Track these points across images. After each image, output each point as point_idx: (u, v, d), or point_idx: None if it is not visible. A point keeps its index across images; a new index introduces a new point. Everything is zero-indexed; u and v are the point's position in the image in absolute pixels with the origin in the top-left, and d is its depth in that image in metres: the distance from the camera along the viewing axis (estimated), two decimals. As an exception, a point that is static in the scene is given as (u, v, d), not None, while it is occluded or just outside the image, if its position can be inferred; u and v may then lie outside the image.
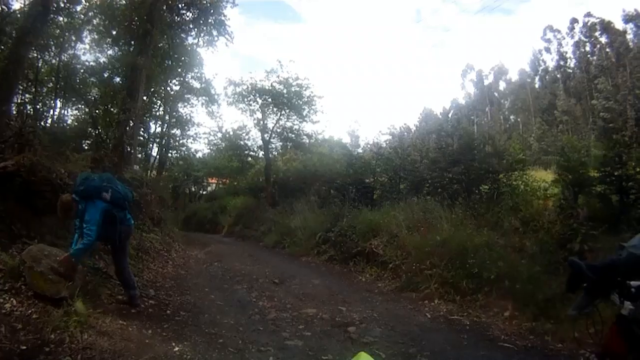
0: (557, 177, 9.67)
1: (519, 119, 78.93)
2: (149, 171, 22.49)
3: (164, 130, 24.34)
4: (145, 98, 18.48)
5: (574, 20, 77.54)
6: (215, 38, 18.84)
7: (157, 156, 24.59)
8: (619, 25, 71.15)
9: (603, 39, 72.51)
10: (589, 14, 75.66)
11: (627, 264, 1.92)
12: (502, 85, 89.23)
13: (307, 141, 25.74)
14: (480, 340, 5.66)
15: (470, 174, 11.69)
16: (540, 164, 22.73)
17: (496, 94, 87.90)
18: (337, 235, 11.98)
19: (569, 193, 8.86)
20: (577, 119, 64.39)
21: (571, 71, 77.47)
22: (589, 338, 2.30)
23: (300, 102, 24.24)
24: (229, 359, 4.70)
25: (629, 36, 69.82)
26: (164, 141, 24.46)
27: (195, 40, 20.39)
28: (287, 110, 24.47)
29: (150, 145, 24.45)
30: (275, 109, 24.50)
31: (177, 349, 4.77)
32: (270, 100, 24.00)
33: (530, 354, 5.16)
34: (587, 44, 75.42)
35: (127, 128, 12.84)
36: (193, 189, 38.17)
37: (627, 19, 70.56)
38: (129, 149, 13.12)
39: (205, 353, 4.74)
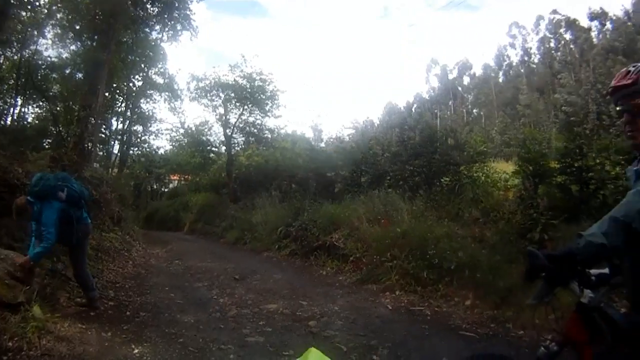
0: (518, 168, 9.78)
1: (482, 113, 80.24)
2: (110, 169, 22.15)
3: (126, 126, 24.06)
4: (107, 94, 18.14)
5: (540, 17, 79.47)
6: (180, 32, 18.52)
7: (119, 153, 24.28)
8: (584, 22, 73.38)
9: (568, 36, 74.67)
10: (555, 11, 77.66)
11: (585, 252, 1.91)
12: (466, 80, 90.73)
13: (270, 136, 25.68)
14: (442, 330, 5.65)
15: (432, 167, 11.74)
16: (502, 156, 23.10)
17: (460, 89, 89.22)
18: (298, 229, 11.94)
19: (530, 184, 8.95)
20: (539, 112, 65.74)
21: (535, 66, 79.39)
22: (549, 325, 2.31)
23: (263, 97, 24.27)
24: (190, 359, 4.59)
25: (594, 33, 72.04)
26: (125, 138, 24.12)
27: (160, 35, 19.91)
28: (250, 105, 24.45)
29: (112, 142, 24.10)
30: (237, 104, 24.46)
31: (136, 351, 4.66)
32: (233, 95, 24.02)
33: (492, 342, 5.17)
34: (552, 40, 77.45)
35: (88, 125, 12.56)
36: (155, 187, 37.83)
37: (593, 16, 72.70)
38: (89, 147, 12.84)
39: (165, 354, 4.63)
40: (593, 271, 2.21)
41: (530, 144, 9.36)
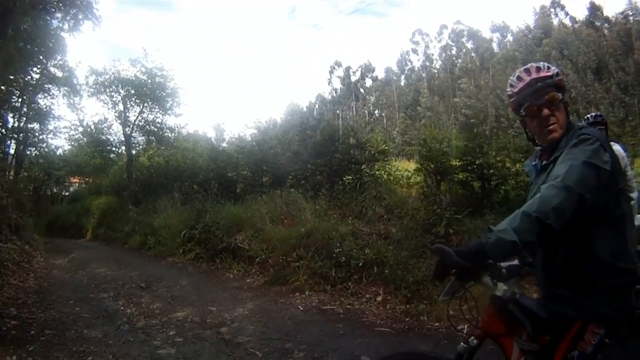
0: (420, 166, 10.10)
1: (383, 114, 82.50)
2: (5, 171, 20.89)
3: (22, 124, 22.51)
4: (2, 87, 17.05)
5: (444, 27, 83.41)
6: (81, 22, 17.53)
7: (15, 154, 22.87)
8: (486, 34, 78.32)
9: (469, 45, 79.08)
10: (458, 22, 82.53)
11: (496, 249, 1.96)
12: (368, 82, 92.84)
13: (170, 135, 25.15)
14: (357, 328, 5.74)
15: (333, 165, 11.85)
16: (404, 155, 23.75)
17: (362, 90, 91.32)
18: (201, 232, 11.77)
19: (432, 181, 9.30)
20: (439, 114, 68.76)
21: (436, 72, 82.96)
22: (463, 315, 2.36)
23: (164, 94, 23.80)
24: None
25: (494, 44, 77.03)
26: (21, 137, 22.70)
27: (60, 24, 18.74)
28: (150, 103, 23.87)
29: (7, 141, 22.54)
30: (137, 101, 23.76)
31: None
32: (133, 91, 23.28)
33: (408, 336, 5.30)
34: (454, 48, 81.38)
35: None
36: (55, 190, 36.03)
37: (495, 29, 77.55)
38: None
39: None
40: (503, 264, 2.32)
41: (431, 143, 9.67)
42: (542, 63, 2.41)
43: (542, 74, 2.34)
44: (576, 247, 2.12)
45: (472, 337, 2.36)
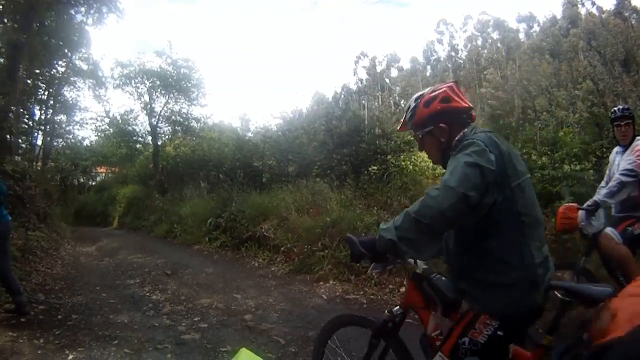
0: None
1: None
2: (33, 162, 21.11)
3: (49, 116, 22.70)
4: (28, 81, 17.21)
5: (468, 17, 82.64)
6: (105, 15, 17.64)
7: (42, 145, 23.12)
8: (513, 24, 77.59)
9: (495, 35, 78.04)
10: (484, 12, 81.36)
11: (381, 245, 2.08)
12: (394, 73, 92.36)
13: (196, 125, 25.30)
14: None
15: (359, 155, 11.78)
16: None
17: (387, 80, 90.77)
18: (227, 220, 11.86)
19: (457, 171, 9.25)
20: None
21: (462, 62, 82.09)
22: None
23: (189, 85, 24.04)
24: None
25: (521, 34, 75.98)
26: (48, 128, 22.91)
27: (84, 18, 18.85)
28: (176, 93, 24.13)
29: (35, 133, 22.78)
30: (163, 92, 24.02)
31: (71, 357, 4.48)
32: (158, 82, 23.51)
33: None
34: (479, 38, 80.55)
35: (10, 114, 11.95)
36: (82, 180, 36.41)
37: (521, 19, 76.71)
38: (10, 138, 12.26)
39: (100, 358, 4.47)
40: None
41: (457, 134, 9.58)
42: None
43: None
44: (471, 244, 2.25)
45: (397, 307, 2.77)
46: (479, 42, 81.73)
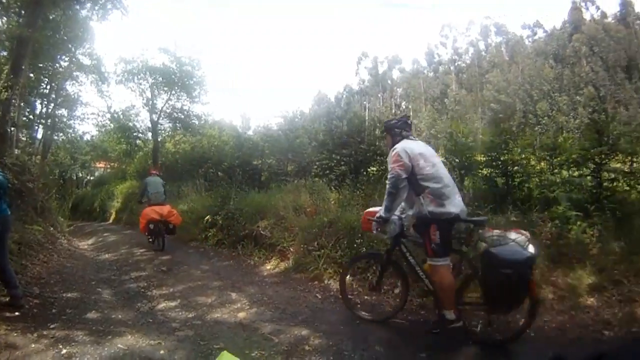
0: (444, 160, 10.00)
1: (410, 106, 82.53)
2: (33, 156, 21.08)
3: (50, 110, 22.65)
4: (31, 75, 17.30)
5: (472, 22, 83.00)
6: (110, 11, 17.69)
7: (42, 139, 23.08)
8: (517, 30, 78.26)
9: (498, 39, 78.51)
10: (487, 17, 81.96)
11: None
12: (395, 74, 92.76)
13: (197, 122, 25.40)
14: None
15: (358, 156, 11.80)
16: (430, 149, 23.72)
17: (389, 82, 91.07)
18: (225, 218, 11.81)
19: (456, 175, 9.24)
20: (467, 108, 68.21)
21: (465, 65, 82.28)
22: None
23: (192, 82, 24.02)
24: (119, 357, 4.42)
25: (526, 41, 76.66)
26: (49, 122, 22.88)
27: (89, 14, 18.95)
28: (178, 90, 24.15)
29: (36, 127, 22.71)
30: (165, 89, 24.07)
31: (65, 351, 4.44)
32: (161, 79, 23.60)
33: (421, 328, 5.22)
34: (482, 42, 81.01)
35: (11, 108, 11.93)
36: (80, 174, 36.42)
37: (525, 26, 77.64)
38: (11, 131, 12.24)
39: (94, 353, 4.44)
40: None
41: (457, 137, 9.58)
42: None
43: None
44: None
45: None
46: (482, 46, 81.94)
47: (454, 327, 4.66)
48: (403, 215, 5.23)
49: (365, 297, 6.63)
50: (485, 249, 4.40)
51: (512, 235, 4.39)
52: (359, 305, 6.15)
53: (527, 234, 4.48)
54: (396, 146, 4.93)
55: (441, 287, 4.70)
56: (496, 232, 4.53)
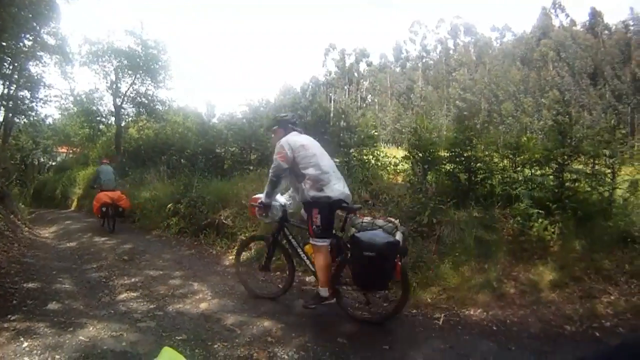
0: (408, 154, 10.06)
1: (376, 100, 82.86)
2: (-7, 139, 20.57)
3: (12, 92, 22.06)
4: None
5: (441, 20, 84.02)
6: None
7: (3, 122, 22.50)
8: (485, 32, 79.52)
9: (467, 39, 79.66)
10: (457, 17, 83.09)
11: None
12: (362, 67, 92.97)
13: (161, 108, 25.36)
14: (336, 307, 5.55)
15: (323, 146, 11.78)
16: (393, 142, 23.88)
17: (356, 74, 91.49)
18: (187, 206, 11.69)
19: (419, 169, 9.32)
20: (432, 104, 69.02)
21: (432, 62, 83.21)
22: None
23: (157, 66, 23.98)
24: (81, 349, 4.31)
25: (495, 43, 77.90)
26: (10, 104, 22.31)
27: None
28: (142, 74, 24.09)
29: None
30: (130, 72, 23.94)
31: (26, 344, 4.34)
32: (126, 62, 23.44)
33: (384, 323, 5.17)
34: (451, 40, 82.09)
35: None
36: (42, 160, 35.68)
37: (494, 28, 79.04)
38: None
39: (56, 346, 4.34)
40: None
41: (422, 132, 9.67)
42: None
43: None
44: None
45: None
46: (451, 45, 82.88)
47: (327, 304, 5.26)
48: (289, 202, 5.89)
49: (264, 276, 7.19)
50: (353, 234, 4.86)
51: (380, 222, 4.91)
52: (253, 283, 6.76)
53: (397, 222, 4.93)
54: (281, 139, 5.45)
55: (318, 266, 5.19)
56: (366, 219, 5.07)
